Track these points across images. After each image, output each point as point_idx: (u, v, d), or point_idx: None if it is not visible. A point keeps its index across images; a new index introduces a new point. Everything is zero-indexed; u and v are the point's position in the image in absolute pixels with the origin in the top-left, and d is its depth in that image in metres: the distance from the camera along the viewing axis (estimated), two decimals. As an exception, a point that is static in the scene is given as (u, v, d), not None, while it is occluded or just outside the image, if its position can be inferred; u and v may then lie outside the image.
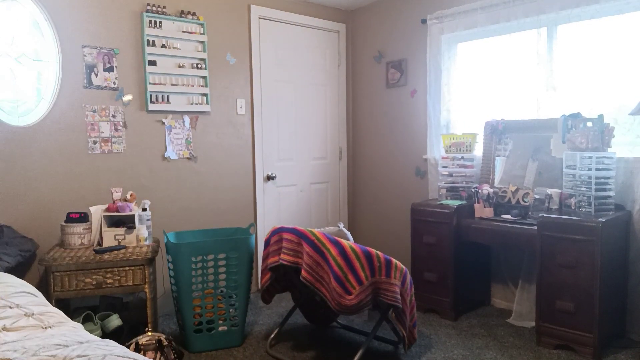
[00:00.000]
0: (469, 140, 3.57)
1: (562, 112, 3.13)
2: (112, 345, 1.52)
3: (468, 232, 3.28)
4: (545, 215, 2.85)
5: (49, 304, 2.03)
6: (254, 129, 3.95)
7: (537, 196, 3.12)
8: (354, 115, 4.68)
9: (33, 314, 1.78)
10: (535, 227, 2.88)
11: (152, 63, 3.35)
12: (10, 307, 1.82)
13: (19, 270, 2.72)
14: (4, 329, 1.63)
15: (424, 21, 3.91)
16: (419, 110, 4.05)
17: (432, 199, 3.88)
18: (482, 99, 3.67)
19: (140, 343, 2.46)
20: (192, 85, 3.55)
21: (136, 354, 1.49)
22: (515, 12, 3.34)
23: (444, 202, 3.47)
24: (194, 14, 3.53)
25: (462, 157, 3.57)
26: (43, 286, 2.61)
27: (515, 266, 3.47)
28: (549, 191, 3.07)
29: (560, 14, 3.16)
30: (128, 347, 2.38)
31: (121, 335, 2.76)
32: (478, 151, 3.61)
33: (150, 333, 2.55)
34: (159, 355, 2.46)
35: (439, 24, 3.81)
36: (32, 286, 2.25)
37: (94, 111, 3.14)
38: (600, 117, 2.87)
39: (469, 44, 3.77)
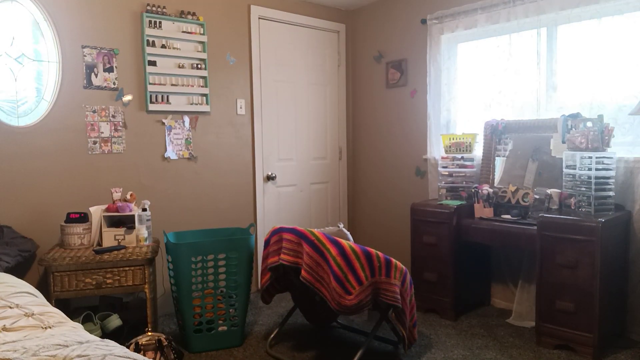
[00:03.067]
0: (469, 140, 3.57)
1: (562, 112, 3.13)
2: (112, 345, 1.52)
3: (468, 232, 3.28)
4: (545, 215, 2.85)
5: (49, 304, 2.03)
6: (254, 129, 3.95)
7: (537, 196, 3.12)
8: (354, 115, 4.68)
9: (33, 314, 1.78)
10: (535, 227, 2.88)
11: (152, 63, 3.35)
12: (10, 307, 1.82)
13: (19, 270, 2.72)
14: (4, 329, 1.63)
15: (424, 21, 3.91)
16: (419, 110, 4.05)
17: (432, 199, 3.88)
18: (482, 99, 3.68)
19: (140, 343, 2.46)
20: (192, 86, 3.56)
21: (136, 354, 1.49)
22: (515, 12, 3.34)
23: (444, 202, 3.47)
24: (193, 14, 3.53)
25: (462, 157, 3.57)
26: (43, 286, 2.61)
27: (515, 266, 3.47)
28: (548, 191, 3.07)
29: (560, 14, 3.17)
30: (128, 347, 2.38)
31: (121, 336, 2.76)
32: (478, 151, 3.61)
33: (150, 333, 2.55)
34: (158, 355, 2.47)
35: (439, 24, 3.81)
36: (32, 286, 2.25)
37: (94, 111, 3.14)
38: (600, 117, 2.88)
39: (469, 44, 3.77)
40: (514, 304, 3.35)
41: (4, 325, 1.65)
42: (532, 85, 3.35)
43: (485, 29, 3.57)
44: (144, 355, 2.42)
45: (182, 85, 3.51)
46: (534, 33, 3.31)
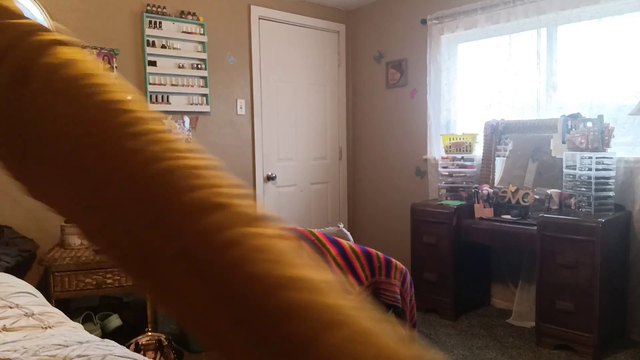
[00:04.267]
0: (469, 140, 3.58)
1: (562, 113, 3.13)
2: (112, 345, 1.52)
3: (468, 232, 3.28)
4: (545, 215, 2.85)
5: (49, 304, 2.03)
6: (254, 129, 3.95)
7: (537, 196, 3.12)
8: (354, 116, 4.68)
9: (33, 314, 1.78)
10: (535, 227, 2.88)
11: (152, 63, 3.35)
12: (10, 307, 1.82)
13: (19, 270, 2.71)
14: (4, 329, 1.63)
15: (424, 21, 3.91)
16: (419, 110, 4.05)
17: (432, 199, 3.88)
18: (482, 99, 3.68)
19: (140, 343, 2.46)
20: (192, 86, 3.56)
21: (136, 354, 1.49)
22: (515, 12, 3.34)
23: (444, 202, 3.47)
24: (194, 14, 3.53)
25: (462, 157, 3.58)
26: (43, 286, 2.61)
27: (515, 266, 3.47)
28: (548, 191, 3.07)
29: (560, 14, 3.17)
30: (128, 347, 2.38)
31: (121, 336, 2.76)
32: (478, 151, 3.61)
33: (150, 333, 2.55)
34: (158, 355, 2.47)
35: (439, 24, 3.81)
36: (32, 286, 2.25)
37: (94, 111, 3.14)
38: (600, 117, 2.88)
39: (469, 44, 3.77)
40: (514, 304, 3.35)
41: (4, 325, 1.65)
42: (532, 85, 3.35)
43: (485, 29, 3.57)
44: (144, 355, 2.42)
45: (182, 86, 3.51)
46: (534, 33, 3.31)
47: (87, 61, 0.41)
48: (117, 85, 0.40)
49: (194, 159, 0.40)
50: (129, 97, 0.41)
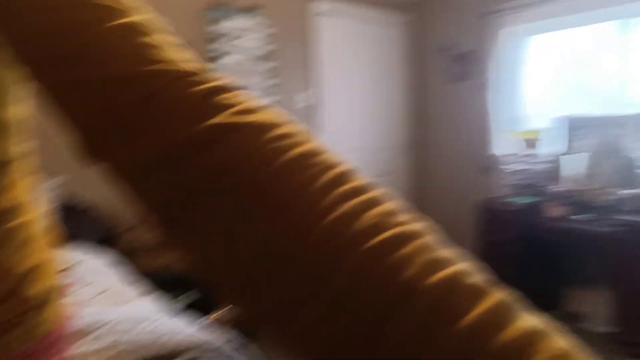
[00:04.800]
0: (540, 136, 3.43)
1: (644, 106, 2.94)
2: (185, 321, 1.57)
3: (538, 231, 3.14)
4: (623, 217, 2.68)
5: (128, 279, 2.12)
6: (322, 120, 3.94)
7: (612, 197, 2.94)
8: (418, 109, 4.60)
9: (109, 290, 1.87)
10: (613, 229, 2.71)
11: (214, 59, 3.37)
12: (89, 283, 1.92)
13: (103, 247, 2.84)
14: (83, 303, 1.73)
15: (492, 12, 3.78)
16: (485, 104, 3.92)
17: (499, 196, 3.75)
18: (554, 93, 3.52)
19: (217, 319, 2.48)
20: (256, 80, 3.58)
21: (211, 324, 1.53)
22: (592, 2, 3.16)
23: (512, 200, 3.34)
24: (257, 8, 3.55)
25: (533, 154, 3.43)
26: (123, 263, 2.71)
27: (587, 269, 3.29)
28: (627, 192, 2.88)
29: (644, 1, 2.97)
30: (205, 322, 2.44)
31: (196, 312, 2.81)
32: (550, 147, 3.44)
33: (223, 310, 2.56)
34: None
35: (510, 15, 3.67)
36: (114, 261, 2.34)
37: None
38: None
39: (542, 36, 3.61)
40: (586, 308, 3.18)
41: (83, 299, 1.75)
42: (610, 79, 3.17)
43: (559, 20, 3.41)
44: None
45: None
46: (612, 24, 3.12)
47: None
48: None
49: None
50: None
